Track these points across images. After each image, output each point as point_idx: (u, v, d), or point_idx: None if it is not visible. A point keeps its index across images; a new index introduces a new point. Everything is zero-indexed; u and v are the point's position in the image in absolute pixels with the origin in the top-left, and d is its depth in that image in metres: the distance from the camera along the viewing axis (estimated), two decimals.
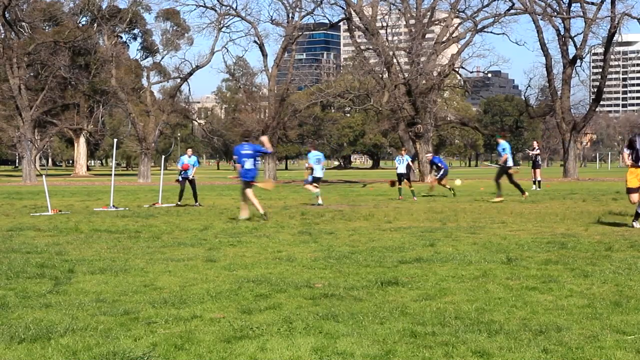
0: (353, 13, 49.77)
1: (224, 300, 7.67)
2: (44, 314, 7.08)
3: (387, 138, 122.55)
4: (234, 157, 19.07)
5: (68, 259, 10.84)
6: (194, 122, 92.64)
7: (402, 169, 26.97)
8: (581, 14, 49.81)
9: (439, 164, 28.78)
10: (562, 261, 10.10)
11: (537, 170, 33.26)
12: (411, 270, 9.52)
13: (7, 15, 55.65)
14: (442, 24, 51.18)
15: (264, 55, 55.89)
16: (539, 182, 32.84)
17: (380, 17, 50.37)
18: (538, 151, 34.69)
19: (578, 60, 50.82)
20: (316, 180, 24.58)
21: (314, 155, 25.05)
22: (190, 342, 6.00)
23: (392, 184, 29.55)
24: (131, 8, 63.78)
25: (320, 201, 23.46)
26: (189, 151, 26.01)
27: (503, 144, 24.18)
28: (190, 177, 24.89)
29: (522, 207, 21.20)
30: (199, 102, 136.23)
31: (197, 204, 24.20)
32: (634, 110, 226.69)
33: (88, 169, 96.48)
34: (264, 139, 19.24)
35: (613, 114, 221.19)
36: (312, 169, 24.75)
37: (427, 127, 48.25)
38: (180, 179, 25.11)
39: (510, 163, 24.05)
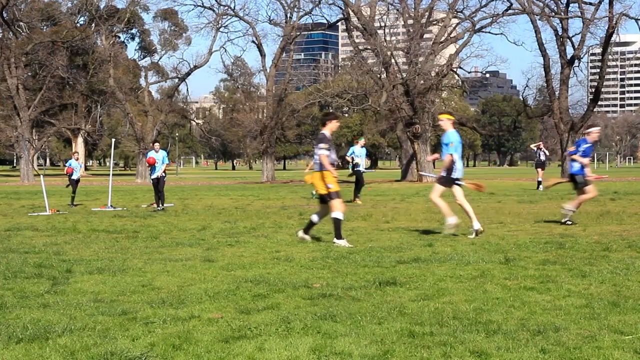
0: (351, 13, 49.79)
1: (222, 300, 7.66)
2: (41, 314, 7.07)
3: (385, 138, 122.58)
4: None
5: (66, 259, 10.83)
6: (192, 122, 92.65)
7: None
8: (579, 14, 49.86)
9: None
10: (560, 261, 10.10)
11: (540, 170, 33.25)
12: (409, 270, 9.51)
13: (4, 15, 55.64)
14: (440, 24, 51.17)
15: (262, 55, 55.91)
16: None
17: (378, 17, 50.38)
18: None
19: (576, 61, 50.86)
20: None
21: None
22: (188, 342, 5.99)
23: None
24: (129, 8, 63.78)
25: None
26: (157, 145, 23.15)
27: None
28: (159, 174, 22.33)
29: (520, 207, 21.22)
30: (197, 102, 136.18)
31: (161, 207, 21.98)
32: (631, 111, 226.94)
33: (86, 168, 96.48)
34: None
35: (611, 114, 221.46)
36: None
37: (425, 128, 48.24)
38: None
39: None
